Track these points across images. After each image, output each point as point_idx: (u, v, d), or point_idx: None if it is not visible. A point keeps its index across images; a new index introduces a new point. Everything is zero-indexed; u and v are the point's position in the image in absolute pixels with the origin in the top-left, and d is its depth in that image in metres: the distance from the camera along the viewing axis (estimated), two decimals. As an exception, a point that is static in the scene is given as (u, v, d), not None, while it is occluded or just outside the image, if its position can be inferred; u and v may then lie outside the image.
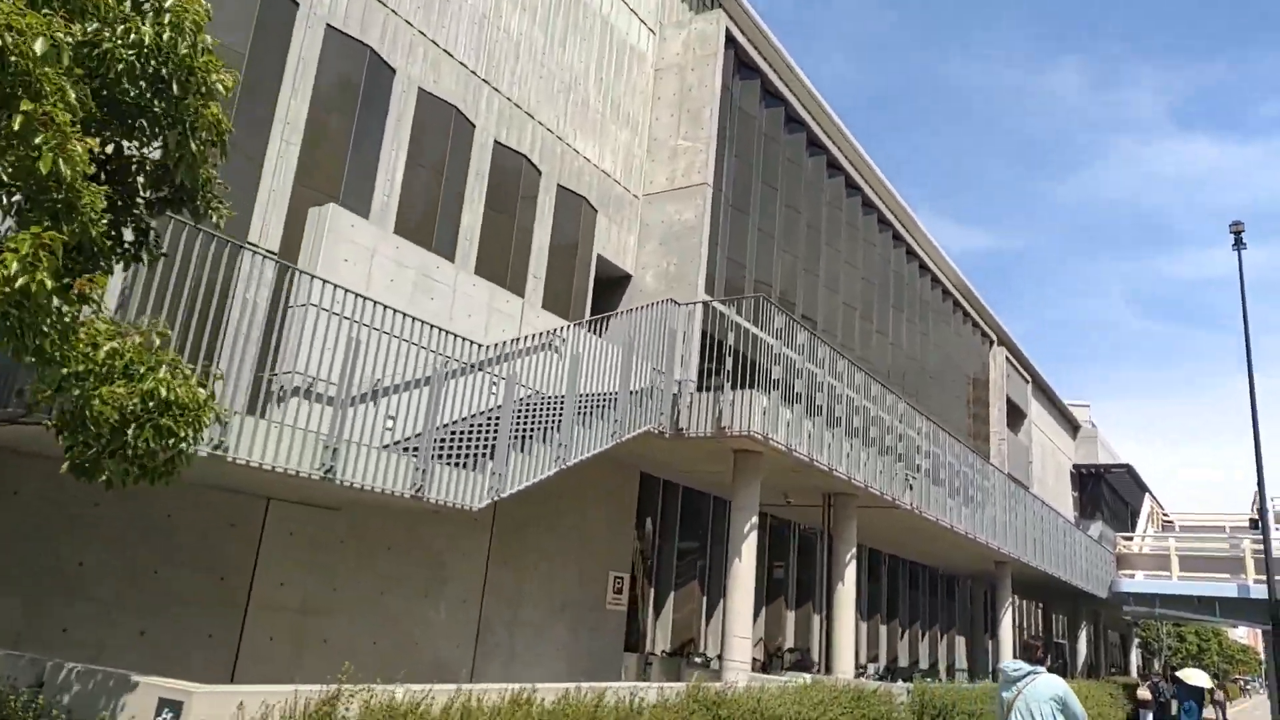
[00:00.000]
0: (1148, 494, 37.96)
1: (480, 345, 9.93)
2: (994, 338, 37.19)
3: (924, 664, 30.21)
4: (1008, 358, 37.94)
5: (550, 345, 11.01)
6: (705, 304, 12.48)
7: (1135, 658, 51.52)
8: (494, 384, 10.12)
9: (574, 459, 9.96)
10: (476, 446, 9.12)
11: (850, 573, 14.65)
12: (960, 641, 32.75)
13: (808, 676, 13.98)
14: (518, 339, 10.79)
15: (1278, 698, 22.27)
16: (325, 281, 8.44)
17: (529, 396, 10.27)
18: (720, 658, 11.78)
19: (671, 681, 12.07)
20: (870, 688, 10.56)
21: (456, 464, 8.75)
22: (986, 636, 31.62)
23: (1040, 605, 39.30)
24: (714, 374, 11.85)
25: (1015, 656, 12.60)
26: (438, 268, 10.98)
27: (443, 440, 9.05)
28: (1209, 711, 27.54)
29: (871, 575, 26.66)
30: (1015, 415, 39.66)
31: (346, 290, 8.42)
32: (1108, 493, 51.51)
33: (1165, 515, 32.81)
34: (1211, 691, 25.07)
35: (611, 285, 15.96)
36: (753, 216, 18.79)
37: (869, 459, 14.31)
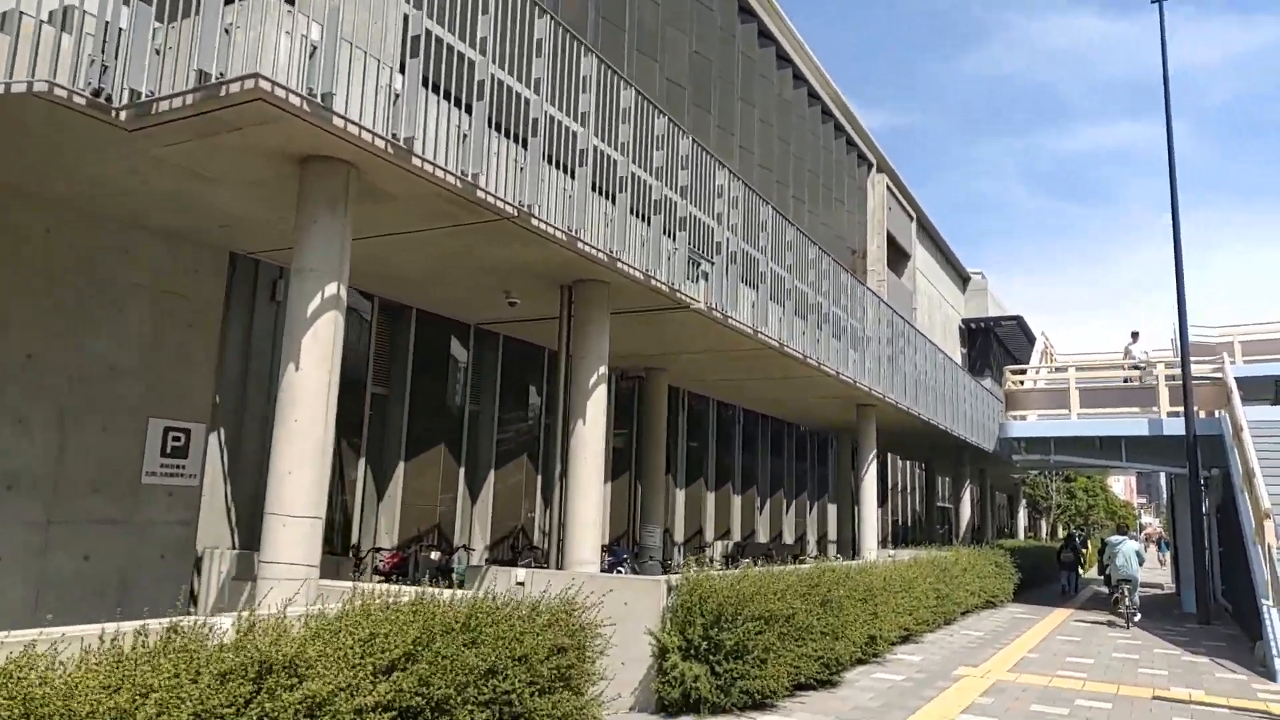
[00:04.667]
0: (1041, 334, 34.43)
1: None
2: (873, 161, 31.94)
3: (789, 538, 25.79)
4: (889, 187, 32.85)
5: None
6: None
7: (1022, 518, 49.21)
8: None
9: None
10: None
11: (596, 404, 9.11)
12: (833, 510, 28.49)
13: (518, 573, 8.56)
14: None
15: (1192, 551, 18.26)
16: None
17: None
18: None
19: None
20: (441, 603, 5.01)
21: None
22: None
23: (923, 466, 35.52)
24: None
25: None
26: None
27: None
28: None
29: (721, 436, 21.65)
30: (898, 255, 34.93)
31: None
32: (997, 348, 48.37)
33: (1057, 358, 28.78)
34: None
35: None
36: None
37: (619, 217, 8.58)
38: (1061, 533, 47.59)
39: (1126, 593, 16.45)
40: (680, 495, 20.00)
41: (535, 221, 7.39)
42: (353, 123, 5.69)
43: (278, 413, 5.94)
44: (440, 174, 6.39)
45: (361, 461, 12.42)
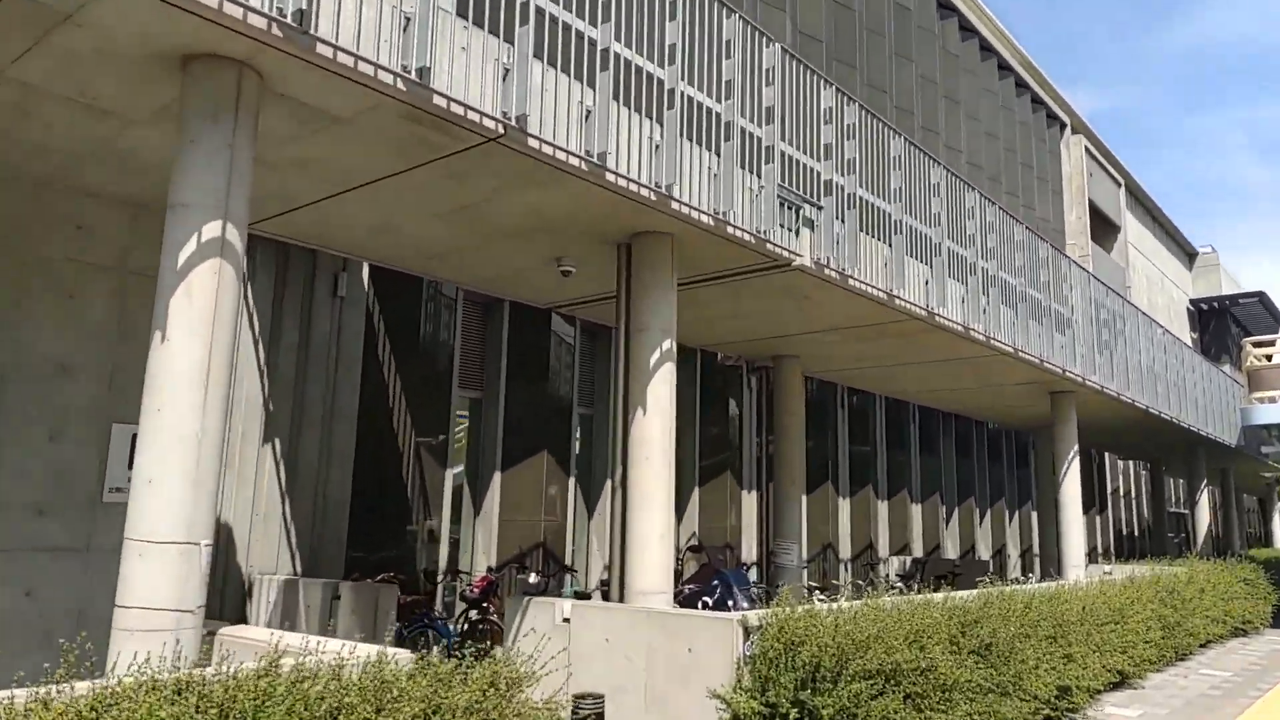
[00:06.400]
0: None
1: None
2: (1066, 121, 27.99)
3: (984, 552, 22.54)
4: (1088, 149, 28.71)
5: None
6: None
7: (1279, 525, 42.16)
8: None
9: None
10: None
11: (660, 389, 7.11)
12: (1035, 518, 24.84)
13: (564, 606, 6.68)
14: None
15: None
16: None
17: None
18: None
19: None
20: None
21: None
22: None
23: (1148, 467, 30.75)
24: None
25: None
26: None
27: None
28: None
29: (892, 436, 18.99)
30: (1104, 228, 30.56)
31: None
32: (1235, 331, 41.86)
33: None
34: None
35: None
36: None
37: (669, 143, 6.60)
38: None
39: None
40: (845, 505, 17.52)
41: (533, 141, 5.55)
42: (209, -10, 4.08)
43: (143, 401, 4.39)
44: (369, 69, 4.68)
45: (447, 473, 11.02)
